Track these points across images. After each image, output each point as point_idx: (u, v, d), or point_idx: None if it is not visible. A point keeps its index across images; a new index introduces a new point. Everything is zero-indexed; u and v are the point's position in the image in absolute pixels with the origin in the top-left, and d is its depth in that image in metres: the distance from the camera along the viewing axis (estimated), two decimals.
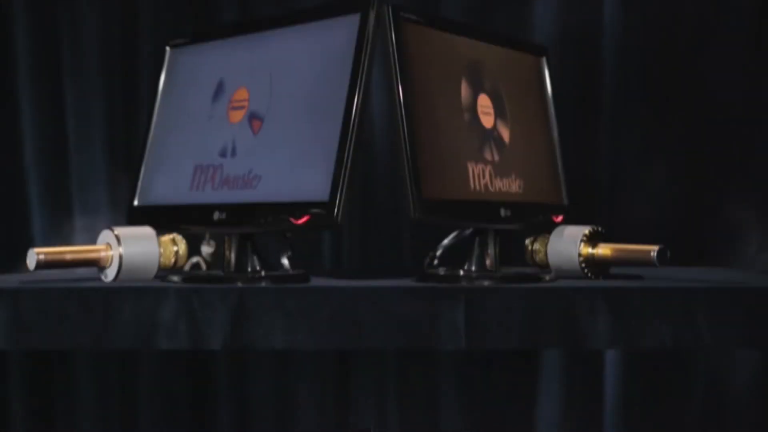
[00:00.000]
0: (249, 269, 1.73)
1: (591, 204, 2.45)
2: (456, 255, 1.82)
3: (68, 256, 1.67)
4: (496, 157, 1.77)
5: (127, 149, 2.63)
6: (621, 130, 2.50)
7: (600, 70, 2.49)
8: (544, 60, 1.98)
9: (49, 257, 1.64)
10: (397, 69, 1.62)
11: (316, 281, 1.70)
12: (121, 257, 1.68)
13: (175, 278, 1.70)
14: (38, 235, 2.63)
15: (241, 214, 1.72)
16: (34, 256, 1.63)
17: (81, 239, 2.60)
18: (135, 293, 1.55)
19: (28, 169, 2.64)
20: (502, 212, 1.75)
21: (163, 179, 1.88)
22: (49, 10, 2.64)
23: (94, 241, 1.75)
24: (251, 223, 1.71)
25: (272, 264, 1.78)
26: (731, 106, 2.44)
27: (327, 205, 1.58)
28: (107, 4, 2.65)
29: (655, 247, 1.65)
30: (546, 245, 1.81)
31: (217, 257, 1.85)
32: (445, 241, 1.87)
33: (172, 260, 1.77)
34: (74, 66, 2.64)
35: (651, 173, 2.49)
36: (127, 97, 2.64)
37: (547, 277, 1.72)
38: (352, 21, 1.65)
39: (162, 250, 1.74)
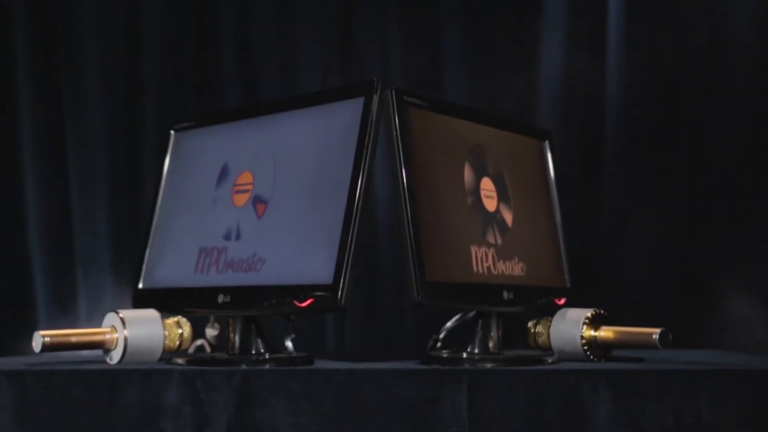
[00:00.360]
0: (253, 351, 1.74)
1: (593, 287, 2.46)
2: (459, 337, 1.82)
3: (74, 339, 1.67)
4: (499, 240, 1.79)
5: (130, 231, 2.65)
6: (623, 212, 2.52)
7: (602, 149, 2.52)
8: (546, 144, 2.00)
9: (55, 340, 1.64)
10: (401, 153, 1.64)
11: (320, 363, 1.70)
12: (126, 340, 1.69)
13: (180, 360, 1.71)
14: (42, 317, 2.64)
15: (245, 296, 1.72)
16: (39, 338, 1.63)
17: (84, 321, 2.61)
18: (140, 375, 1.55)
19: (32, 251, 2.66)
20: (505, 295, 1.76)
21: (168, 262, 1.89)
22: (54, 89, 2.68)
23: (97, 324, 1.76)
24: (255, 306, 1.72)
25: (276, 346, 1.78)
26: (736, 187, 2.46)
27: (331, 288, 1.59)
28: (111, 86, 2.69)
29: (657, 330, 1.66)
30: (548, 328, 1.82)
31: (222, 339, 1.85)
32: (449, 324, 1.88)
33: (177, 343, 1.78)
34: (78, 145, 2.67)
35: (654, 255, 2.50)
36: (130, 177, 2.67)
37: (550, 360, 1.73)
38: (356, 105, 1.68)
39: (167, 333, 1.76)
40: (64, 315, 2.64)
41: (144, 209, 2.62)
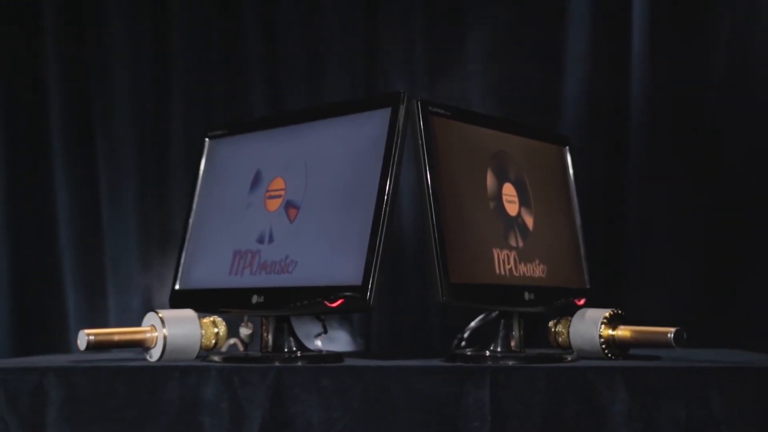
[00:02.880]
0: (286, 350, 1.80)
1: (618, 288, 2.50)
2: (482, 336, 1.88)
3: (116, 337, 1.75)
4: (521, 243, 1.85)
5: (159, 234, 2.69)
6: (646, 214, 2.54)
7: (626, 153, 2.55)
8: (566, 149, 2.06)
9: (99, 338, 1.72)
10: (426, 160, 1.70)
11: (349, 361, 1.77)
12: (165, 338, 1.76)
13: (216, 358, 1.78)
14: (72, 317, 2.68)
15: (278, 297, 1.79)
16: (85, 337, 1.70)
17: (114, 322, 2.66)
18: (179, 372, 1.63)
19: (63, 254, 2.70)
20: (526, 296, 1.82)
21: (204, 264, 1.96)
22: (83, 96, 2.73)
23: (126, 324, 1.81)
24: (288, 306, 1.78)
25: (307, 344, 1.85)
26: (759, 189, 2.49)
27: (360, 289, 1.66)
28: (140, 93, 2.73)
29: (672, 330, 1.71)
30: (568, 327, 1.87)
31: (255, 338, 1.92)
32: (472, 324, 1.94)
33: (213, 341, 1.84)
34: (108, 151, 2.72)
35: (677, 256, 2.53)
36: (158, 182, 2.71)
37: (569, 358, 1.79)
38: (383, 115, 1.75)
39: (203, 332, 1.82)
40: (94, 315, 2.68)
41: (172, 214, 2.68)
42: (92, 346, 1.71)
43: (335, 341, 2.52)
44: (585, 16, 2.60)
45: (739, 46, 2.53)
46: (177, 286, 1.98)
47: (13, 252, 2.74)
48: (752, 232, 2.49)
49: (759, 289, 2.49)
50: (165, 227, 2.70)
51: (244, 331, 1.94)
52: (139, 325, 1.80)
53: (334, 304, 1.69)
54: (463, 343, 1.94)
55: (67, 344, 2.67)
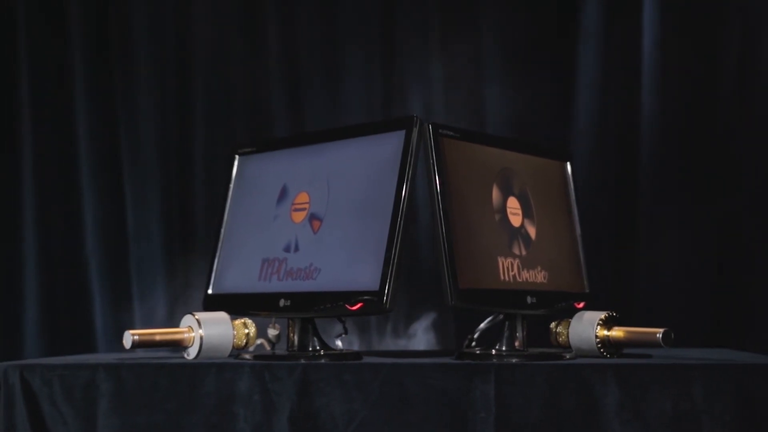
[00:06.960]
0: (310, 348, 1.94)
1: (612, 291, 2.61)
2: (490, 337, 2.00)
3: (158, 337, 1.89)
4: (524, 252, 1.98)
5: (181, 239, 2.80)
6: (653, 224, 2.64)
7: (636, 162, 2.66)
8: (568, 165, 2.17)
9: (142, 338, 1.87)
10: (436, 177, 1.85)
11: (368, 359, 1.90)
12: (202, 338, 1.90)
13: (247, 356, 1.92)
14: (99, 318, 2.79)
15: (303, 301, 1.93)
16: (129, 337, 1.85)
17: (139, 323, 2.75)
18: (216, 368, 1.77)
19: (90, 258, 2.82)
20: (529, 300, 1.95)
21: (235, 271, 2.09)
22: (109, 107, 2.83)
23: (150, 325, 1.91)
24: (312, 309, 1.92)
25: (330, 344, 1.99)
26: (760, 209, 2.59)
27: (378, 294, 1.80)
28: (164, 105, 2.83)
29: (661, 330, 1.83)
30: (568, 328, 1.98)
31: (281, 338, 2.05)
32: (481, 325, 2.05)
33: (244, 341, 1.98)
34: (133, 161, 2.81)
35: (681, 263, 2.64)
36: (181, 190, 2.82)
37: (568, 356, 1.91)
38: (398, 136, 1.89)
39: (235, 332, 1.95)
40: (120, 317, 2.79)
41: (195, 220, 2.77)
42: (136, 345, 1.85)
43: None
44: (597, 31, 2.68)
45: (748, 56, 2.60)
46: (210, 291, 2.10)
47: (41, 256, 2.84)
48: (758, 241, 2.58)
49: (758, 293, 2.60)
50: (186, 233, 2.80)
51: (272, 332, 2.05)
52: (162, 326, 1.92)
53: (354, 308, 1.82)
54: (473, 343, 2.04)
55: (93, 345, 2.77)
